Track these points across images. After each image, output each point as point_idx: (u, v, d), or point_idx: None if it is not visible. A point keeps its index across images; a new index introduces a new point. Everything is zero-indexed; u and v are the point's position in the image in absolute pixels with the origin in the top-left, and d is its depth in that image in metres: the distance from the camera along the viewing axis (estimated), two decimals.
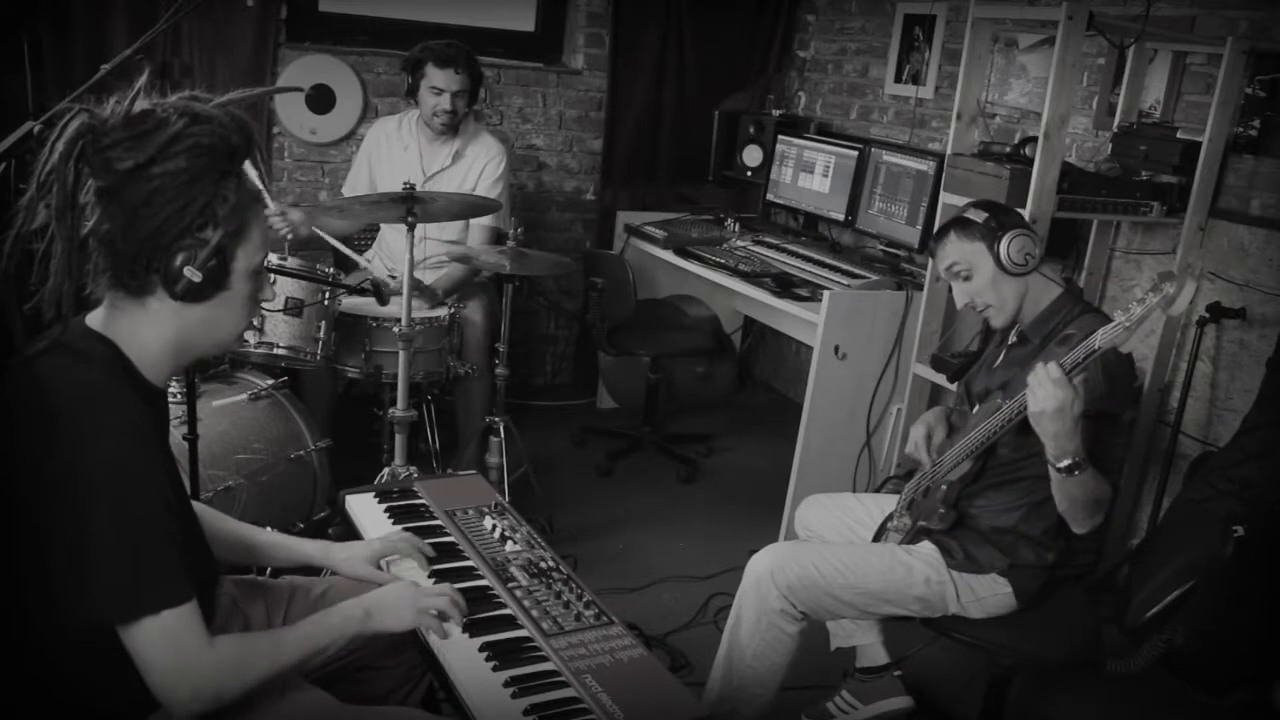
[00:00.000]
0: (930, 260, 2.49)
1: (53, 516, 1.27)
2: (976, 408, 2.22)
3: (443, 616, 1.57)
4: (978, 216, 2.15)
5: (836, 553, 2.21)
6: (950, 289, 2.25)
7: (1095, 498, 1.95)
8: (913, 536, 2.25)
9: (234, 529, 1.74)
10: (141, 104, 1.32)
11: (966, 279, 2.16)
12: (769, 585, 2.15)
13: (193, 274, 1.33)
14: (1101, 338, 1.74)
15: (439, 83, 3.35)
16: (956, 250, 2.16)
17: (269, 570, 2.36)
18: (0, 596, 1.35)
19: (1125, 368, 1.99)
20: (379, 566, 1.75)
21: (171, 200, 1.30)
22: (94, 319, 1.38)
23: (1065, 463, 1.86)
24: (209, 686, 1.32)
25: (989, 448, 2.10)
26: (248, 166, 1.38)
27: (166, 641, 1.29)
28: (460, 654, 1.53)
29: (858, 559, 2.18)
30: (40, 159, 1.28)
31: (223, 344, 1.49)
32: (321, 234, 3.24)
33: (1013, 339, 2.24)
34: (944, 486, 2.19)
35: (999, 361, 2.27)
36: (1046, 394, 1.79)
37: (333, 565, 1.75)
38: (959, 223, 2.17)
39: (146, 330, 1.38)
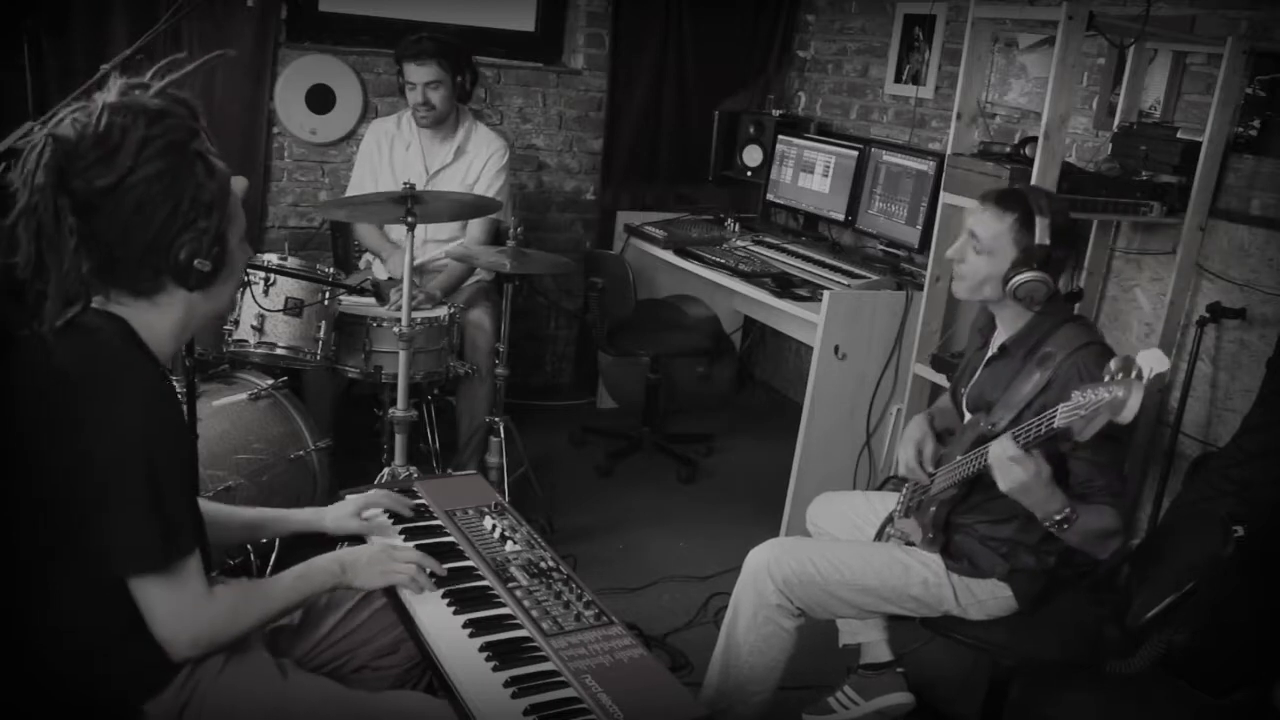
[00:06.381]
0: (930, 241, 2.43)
1: (78, 477, 1.32)
2: (968, 417, 2.20)
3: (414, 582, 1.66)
4: (1043, 233, 2.01)
5: (835, 549, 2.21)
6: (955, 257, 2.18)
7: (1099, 531, 1.94)
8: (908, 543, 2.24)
9: (230, 512, 1.81)
10: (103, 118, 1.32)
11: (977, 253, 2.10)
12: (765, 579, 2.15)
13: (203, 265, 1.40)
14: (1060, 418, 1.73)
15: (411, 77, 3.40)
16: (994, 232, 2.07)
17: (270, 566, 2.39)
18: (6, 574, 1.39)
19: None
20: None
21: (162, 202, 1.34)
22: (99, 303, 1.41)
23: (1054, 519, 1.89)
24: (207, 631, 1.43)
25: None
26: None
27: (171, 590, 1.37)
28: (459, 653, 1.53)
29: (855, 557, 2.18)
30: (21, 188, 1.29)
31: (221, 314, 1.59)
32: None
33: (994, 351, 2.21)
34: (933, 508, 2.17)
35: (980, 372, 2.24)
36: (1010, 474, 1.82)
37: (325, 528, 1.84)
38: (1025, 216, 2.04)
39: (155, 321, 1.44)
